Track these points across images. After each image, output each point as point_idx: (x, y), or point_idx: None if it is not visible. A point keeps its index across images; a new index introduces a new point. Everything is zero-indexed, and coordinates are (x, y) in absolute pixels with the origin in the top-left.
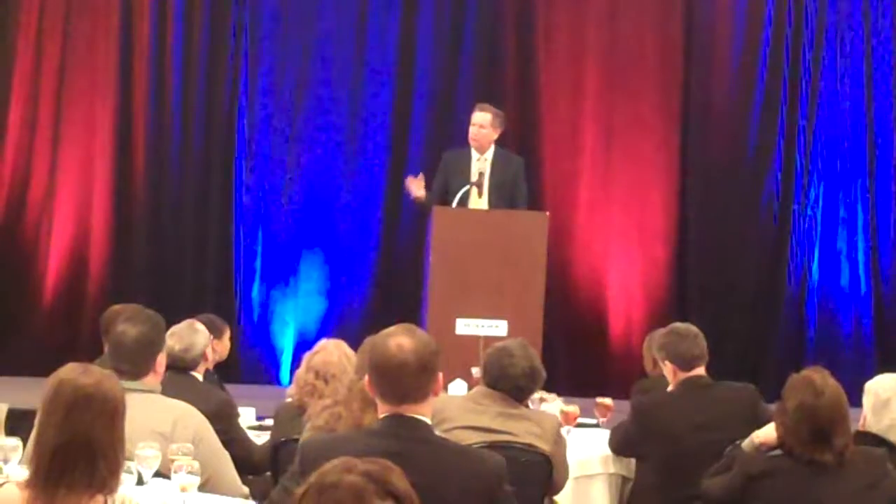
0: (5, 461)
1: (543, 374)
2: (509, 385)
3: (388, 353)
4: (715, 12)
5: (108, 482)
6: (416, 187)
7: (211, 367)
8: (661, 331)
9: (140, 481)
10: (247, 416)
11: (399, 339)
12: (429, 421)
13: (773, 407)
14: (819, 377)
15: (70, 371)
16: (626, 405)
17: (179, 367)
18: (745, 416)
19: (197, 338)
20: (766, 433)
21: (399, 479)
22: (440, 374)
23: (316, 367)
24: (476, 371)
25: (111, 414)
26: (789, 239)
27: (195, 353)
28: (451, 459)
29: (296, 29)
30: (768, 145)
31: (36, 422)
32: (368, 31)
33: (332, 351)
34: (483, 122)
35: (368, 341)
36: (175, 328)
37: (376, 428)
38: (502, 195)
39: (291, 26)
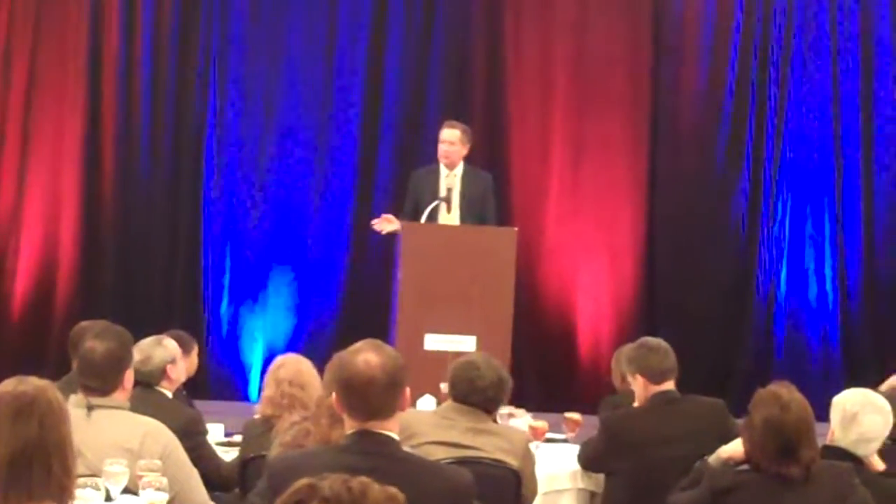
0: None
1: (510, 382)
2: (479, 398)
3: (355, 370)
4: (683, 29)
5: (64, 485)
6: (387, 224)
7: (181, 382)
8: (631, 345)
9: (108, 497)
10: (215, 433)
11: (366, 356)
12: (396, 437)
13: (741, 421)
14: (785, 391)
15: (6, 385)
16: (594, 420)
17: (137, 380)
18: (713, 430)
19: (156, 351)
20: (733, 448)
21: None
22: (407, 390)
23: (287, 378)
24: (445, 386)
25: (57, 416)
26: (757, 254)
27: (151, 367)
28: (420, 475)
29: (264, 48)
30: (736, 161)
31: None
32: (336, 49)
33: (293, 362)
34: (453, 139)
35: (336, 357)
36: (140, 343)
37: (344, 444)
38: (472, 211)
39: (260, 45)
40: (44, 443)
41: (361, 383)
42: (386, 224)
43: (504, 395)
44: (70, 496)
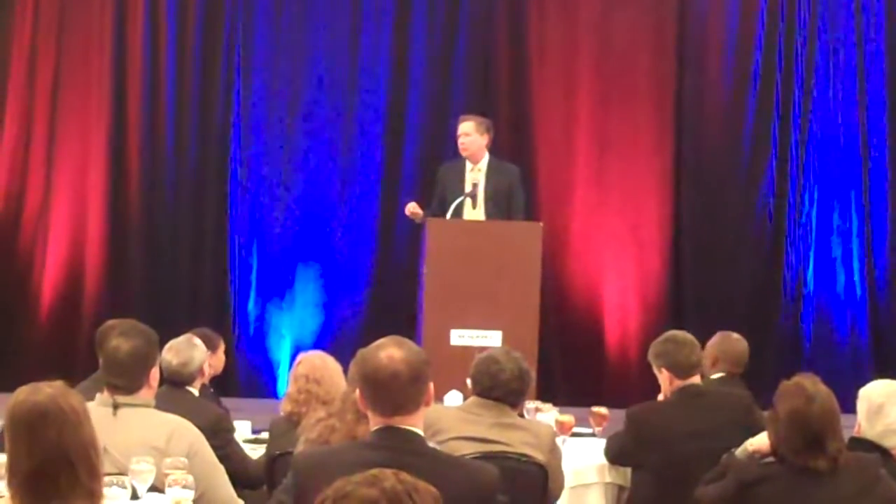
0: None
1: (532, 373)
2: (502, 391)
3: (378, 365)
4: (708, 20)
5: (92, 489)
6: (414, 212)
7: (207, 381)
8: (658, 339)
9: (134, 496)
10: (243, 430)
11: (389, 351)
12: (421, 432)
13: (767, 414)
14: (810, 383)
15: (21, 394)
16: (621, 414)
17: (177, 381)
18: (739, 423)
19: (195, 352)
20: (760, 441)
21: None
22: (431, 385)
23: (304, 374)
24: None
25: (73, 422)
26: (784, 246)
27: (193, 368)
28: (445, 471)
29: (288, 44)
30: (762, 152)
31: (6, 449)
32: (361, 44)
33: (311, 357)
34: (467, 131)
35: (359, 354)
36: (173, 342)
37: (369, 440)
38: (498, 205)
39: (284, 43)
40: (65, 451)
41: (385, 378)
42: (413, 212)
43: (527, 387)
44: (99, 497)
